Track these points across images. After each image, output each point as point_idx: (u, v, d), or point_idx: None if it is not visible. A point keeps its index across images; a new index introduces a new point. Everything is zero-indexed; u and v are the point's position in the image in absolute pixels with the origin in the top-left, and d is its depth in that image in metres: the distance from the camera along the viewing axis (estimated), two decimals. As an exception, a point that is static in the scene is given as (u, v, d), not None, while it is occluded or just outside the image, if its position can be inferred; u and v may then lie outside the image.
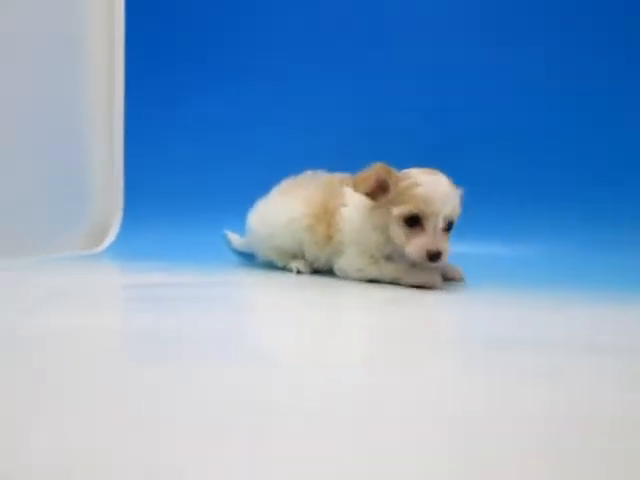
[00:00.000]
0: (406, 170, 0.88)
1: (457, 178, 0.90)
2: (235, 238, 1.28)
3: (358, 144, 1.34)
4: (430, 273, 0.89)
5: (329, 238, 0.96)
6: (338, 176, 1.02)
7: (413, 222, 0.83)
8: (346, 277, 0.95)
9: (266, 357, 0.46)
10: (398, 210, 0.83)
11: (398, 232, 0.85)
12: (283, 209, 1.02)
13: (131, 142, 1.51)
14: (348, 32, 1.39)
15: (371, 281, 0.92)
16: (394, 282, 0.90)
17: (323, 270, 1.02)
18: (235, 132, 1.48)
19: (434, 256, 0.81)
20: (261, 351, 0.48)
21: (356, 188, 0.88)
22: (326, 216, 0.96)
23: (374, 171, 0.86)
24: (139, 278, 0.94)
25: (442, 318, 0.69)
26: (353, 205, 0.94)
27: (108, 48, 1.51)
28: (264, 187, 1.13)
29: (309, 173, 1.07)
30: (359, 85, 1.40)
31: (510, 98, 1.31)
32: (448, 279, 0.94)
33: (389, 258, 0.92)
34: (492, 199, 1.27)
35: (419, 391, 0.37)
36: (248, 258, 1.18)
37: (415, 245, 0.82)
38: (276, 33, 1.44)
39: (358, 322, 0.63)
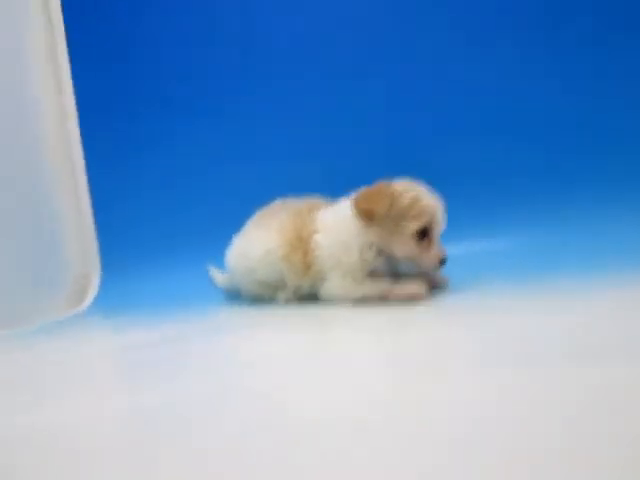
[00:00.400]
0: (394, 181, 0.89)
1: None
2: (218, 276, 1.26)
3: (324, 170, 1.33)
4: (417, 284, 0.88)
5: (307, 266, 0.95)
6: (307, 202, 1.02)
7: (423, 234, 0.87)
8: (333, 301, 0.94)
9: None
10: (414, 226, 0.85)
11: (411, 246, 0.87)
12: (258, 242, 1.01)
13: (98, 195, 1.49)
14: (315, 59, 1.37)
15: (358, 301, 0.91)
16: (382, 299, 0.89)
17: (310, 297, 1.00)
18: (205, 171, 1.45)
19: (443, 262, 0.88)
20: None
21: (365, 215, 0.87)
22: (301, 244, 0.95)
23: (384, 190, 0.86)
24: (119, 340, 0.92)
25: (449, 336, 0.67)
26: (325, 230, 0.93)
27: (58, 102, 1.49)
28: (241, 220, 1.12)
29: (278, 202, 1.06)
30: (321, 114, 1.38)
31: (478, 94, 1.30)
32: (434, 286, 0.93)
33: (371, 275, 0.91)
34: (460, 195, 1.23)
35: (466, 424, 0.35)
36: (234, 295, 1.16)
37: (430, 256, 0.87)
38: (237, 71, 1.42)
39: (367, 355, 0.61)
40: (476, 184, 1.28)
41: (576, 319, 0.61)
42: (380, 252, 0.90)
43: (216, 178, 1.43)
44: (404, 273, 0.93)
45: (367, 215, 0.88)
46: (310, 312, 0.93)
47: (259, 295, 1.06)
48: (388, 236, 0.88)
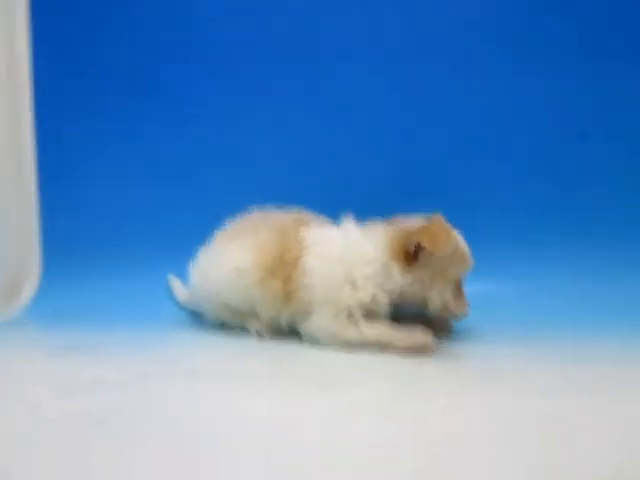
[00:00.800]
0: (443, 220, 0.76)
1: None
2: (180, 289, 1.06)
3: (310, 178, 1.15)
4: (423, 332, 0.72)
5: (288, 296, 0.77)
6: (292, 216, 0.84)
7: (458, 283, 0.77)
8: (315, 342, 0.77)
9: None
10: (459, 272, 0.76)
11: (447, 294, 0.76)
12: (229, 260, 0.82)
13: (45, 188, 1.24)
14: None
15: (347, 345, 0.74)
16: (379, 347, 0.73)
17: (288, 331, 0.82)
18: (175, 166, 1.23)
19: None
20: None
21: (438, 249, 0.72)
22: (283, 269, 0.77)
23: (448, 231, 0.73)
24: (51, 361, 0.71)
25: (462, 412, 0.50)
26: (320, 255, 0.76)
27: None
28: (214, 226, 0.92)
29: (256, 212, 0.88)
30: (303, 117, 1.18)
31: (484, 126, 1.13)
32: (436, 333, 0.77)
33: (369, 316, 0.75)
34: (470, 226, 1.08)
35: None
36: (196, 315, 0.96)
37: (462, 304, 0.77)
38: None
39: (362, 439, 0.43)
40: (486, 215, 1.11)
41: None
42: (402, 296, 0.74)
43: (187, 176, 1.21)
44: (402, 315, 0.77)
45: (422, 255, 0.73)
46: (288, 354, 0.74)
47: (226, 322, 0.88)
48: (429, 281, 0.74)
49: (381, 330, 0.73)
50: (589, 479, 0.35)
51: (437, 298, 0.75)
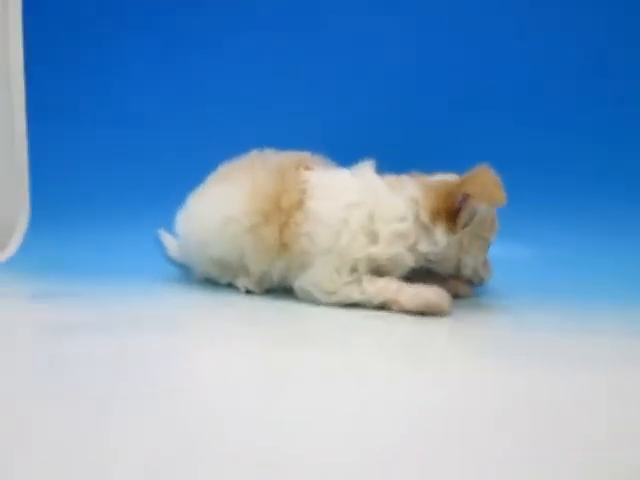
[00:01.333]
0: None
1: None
2: (171, 243, 0.97)
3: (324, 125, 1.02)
4: (436, 292, 0.61)
5: (283, 246, 0.67)
6: (293, 156, 0.73)
7: None
8: (310, 300, 0.66)
9: None
10: (493, 235, 0.69)
11: (481, 259, 0.70)
12: (217, 206, 0.72)
13: (35, 136, 1.16)
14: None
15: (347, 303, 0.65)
16: (383, 306, 0.63)
17: (282, 289, 0.73)
18: (169, 109, 1.12)
19: None
20: None
21: (492, 200, 0.62)
22: (279, 215, 0.67)
23: (499, 182, 0.62)
24: (31, 316, 0.63)
25: (472, 382, 0.40)
26: (329, 199, 0.65)
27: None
28: (207, 174, 0.82)
29: (254, 153, 0.76)
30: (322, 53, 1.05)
31: (506, 89, 0.99)
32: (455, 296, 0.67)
33: (376, 273, 0.64)
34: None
35: None
36: (187, 270, 0.87)
37: (489, 269, 0.72)
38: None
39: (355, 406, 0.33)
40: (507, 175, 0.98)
41: None
42: (430, 259, 0.66)
43: (183, 119, 1.10)
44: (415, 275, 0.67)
45: (467, 212, 0.63)
46: (276, 312, 0.65)
47: (215, 277, 0.78)
48: (468, 243, 0.66)
49: (386, 286, 0.62)
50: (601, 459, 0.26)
51: (471, 262, 0.68)
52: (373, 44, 1.02)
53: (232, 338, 0.53)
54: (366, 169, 0.69)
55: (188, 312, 0.68)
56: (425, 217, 0.63)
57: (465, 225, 0.64)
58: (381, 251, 0.63)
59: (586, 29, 0.96)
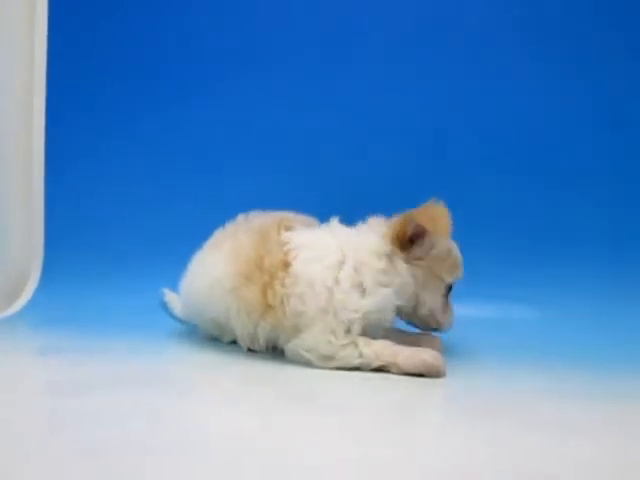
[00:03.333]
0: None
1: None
2: (176, 301, 1.00)
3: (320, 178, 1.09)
4: (431, 354, 0.64)
5: (267, 308, 0.68)
6: (275, 217, 0.76)
7: (448, 290, 0.73)
8: (305, 363, 0.67)
9: None
10: (449, 276, 0.71)
11: (438, 299, 0.71)
12: (206, 270, 0.76)
13: (52, 190, 1.22)
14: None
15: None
16: (380, 368, 0.65)
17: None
18: (179, 172, 1.19)
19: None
20: None
21: (437, 230, 0.68)
22: (261, 275, 0.69)
23: (447, 213, 0.70)
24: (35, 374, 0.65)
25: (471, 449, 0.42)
26: (311, 258, 0.67)
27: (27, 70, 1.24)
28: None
29: (240, 217, 0.80)
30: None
31: (513, 137, 1.06)
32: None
33: (368, 332, 0.67)
34: (486, 248, 0.99)
35: None
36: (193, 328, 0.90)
37: (449, 315, 0.73)
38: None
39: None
40: (497, 232, 1.03)
41: None
42: (401, 295, 0.68)
43: (191, 182, 1.16)
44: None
45: (417, 234, 0.67)
46: (280, 372, 0.66)
47: (215, 336, 0.81)
48: (423, 278, 0.69)
49: (384, 349, 0.64)
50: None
51: (428, 300, 0.69)
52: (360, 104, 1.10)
53: (234, 399, 0.55)
54: (334, 224, 0.73)
55: (197, 370, 0.70)
56: (387, 246, 0.67)
57: (419, 257, 0.68)
58: (371, 302, 0.65)
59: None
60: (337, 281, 0.65)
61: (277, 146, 1.14)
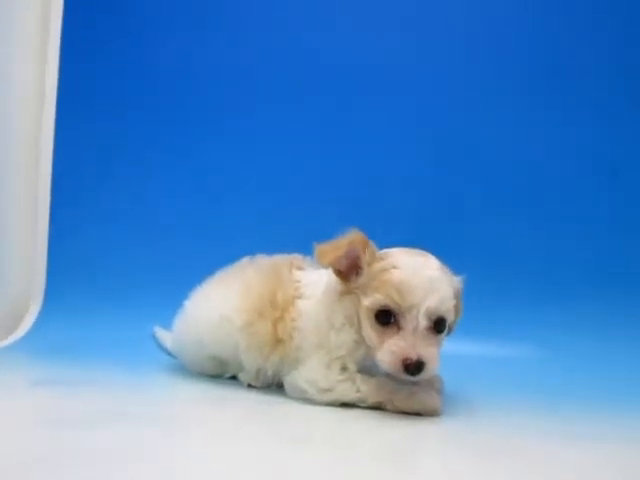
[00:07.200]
0: (387, 250, 0.66)
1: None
2: (167, 338, 0.98)
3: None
4: (429, 393, 0.63)
5: (277, 342, 0.69)
6: (285, 258, 0.77)
7: (386, 318, 0.61)
8: (303, 398, 0.66)
9: None
10: (367, 301, 0.61)
11: (369, 331, 0.62)
12: (212, 305, 0.76)
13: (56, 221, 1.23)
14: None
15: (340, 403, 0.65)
16: (377, 406, 0.63)
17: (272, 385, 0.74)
18: (181, 209, 1.22)
19: (412, 367, 0.58)
20: None
21: (321, 258, 0.64)
22: (272, 311, 0.69)
23: (348, 240, 0.63)
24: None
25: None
26: (314, 296, 0.69)
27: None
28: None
29: (245, 259, 0.80)
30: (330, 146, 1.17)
31: (513, 183, 1.09)
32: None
33: (367, 370, 0.66)
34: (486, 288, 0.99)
35: None
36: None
37: (387, 350, 0.60)
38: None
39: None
40: (498, 274, 1.04)
41: None
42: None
43: (199, 214, 1.20)
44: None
45: (320, 263, 0.65)
46: (277, 410, 0.65)
47: (207, 373, 0.80)
48: (355, 308, 0.64)
49: (381, 386, 0.63)
50: None
51: (364, 333, 0.63)
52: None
53: (233, 437, 0.54)
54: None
55: (196, 407, 0.69)
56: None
57: (356, 287, 0.63)
58: (341, 339, 0.65)
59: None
60: (318, 318, 0.67)
61: (273, 195, 1.18)
